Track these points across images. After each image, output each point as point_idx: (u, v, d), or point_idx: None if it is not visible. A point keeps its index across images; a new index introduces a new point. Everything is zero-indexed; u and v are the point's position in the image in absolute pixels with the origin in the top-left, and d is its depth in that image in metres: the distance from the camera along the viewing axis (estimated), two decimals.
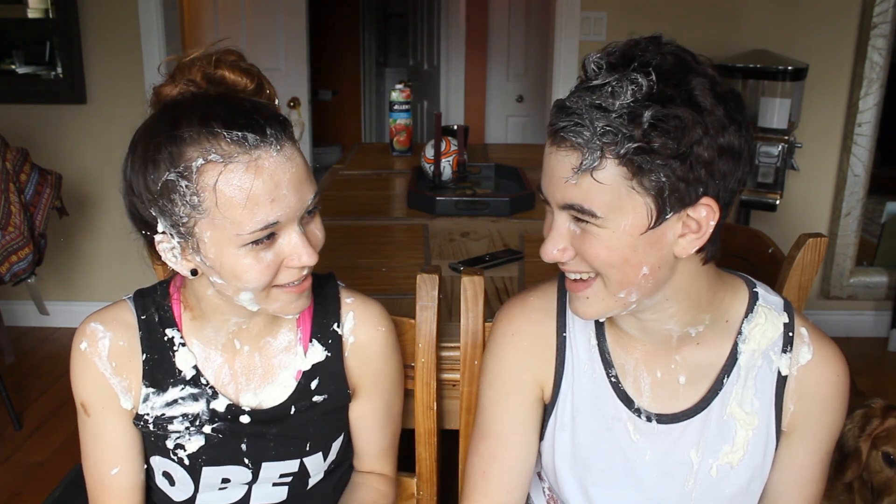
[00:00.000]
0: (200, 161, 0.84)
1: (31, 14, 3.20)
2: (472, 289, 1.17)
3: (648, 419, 0.98)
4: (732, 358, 0.97)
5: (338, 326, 1.06)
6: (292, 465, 1.05)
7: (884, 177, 3.45)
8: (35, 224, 2.55)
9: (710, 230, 0.85)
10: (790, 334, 0.97)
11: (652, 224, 0.83)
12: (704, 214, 0.84)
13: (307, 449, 1.05)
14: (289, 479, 1.06)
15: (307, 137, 3.85)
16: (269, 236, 0.87)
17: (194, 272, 0.92)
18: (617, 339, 1.00)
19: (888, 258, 3.31)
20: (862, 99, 3.02)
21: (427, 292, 1.17)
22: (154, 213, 0.89)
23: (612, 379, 0.99)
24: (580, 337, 1.01)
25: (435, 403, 1.22)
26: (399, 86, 2.85)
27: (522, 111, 4.79)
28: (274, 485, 1.06)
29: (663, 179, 0.80)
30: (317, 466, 1.07)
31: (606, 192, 0.82)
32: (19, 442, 2.50)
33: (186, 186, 0.85)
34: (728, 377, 0.96)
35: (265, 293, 0.92)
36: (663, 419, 0.98)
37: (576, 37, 3.06)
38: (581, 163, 0.81)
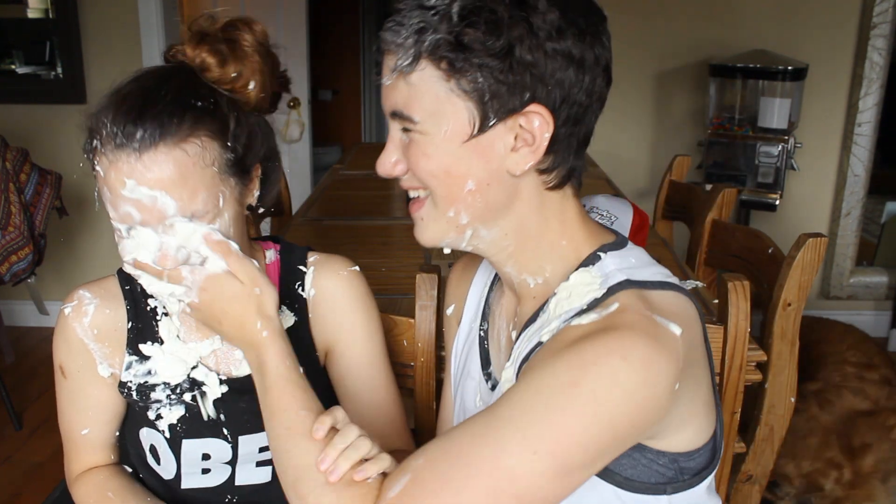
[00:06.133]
0: (96, 143, 0.88)
1: (31, 14, 3.21)
2: None
3: (493, 388, 0.91)
4: (534, 317, 0.85)
5: (301, 288, 1.06)
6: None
7: (884, 177, 3.45)
8: (35, 224, 2.56)
9: (545, 143, 0.77)
10: (590, 307, 0.78)
11: (475, 132, 0.76)
12: (537, 125, 0.76)
13: None
14: (269, 456, 1.06)
15: (307, 137, 3.84)
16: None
17: None
18: (498, 287, 0.94)
19: (888, 258, 3.31)
20: (862, 99, 3.02)
21: (426, 292, 1.17)
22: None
23: (482, 333, 0.95)
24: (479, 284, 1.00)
25: (434, 403, 1.22)
26: None
27: None
28: (258, 465, 1.06)
29: (481, 80, 0.74)
30: None
31: (424, 95, 0.77)
32: (19, 442, 2.50)
33: (89, 160, 0.89)
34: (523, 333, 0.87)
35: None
36: (495, 386, 0.91)
37: None
38: (396, 63, 0.77)
